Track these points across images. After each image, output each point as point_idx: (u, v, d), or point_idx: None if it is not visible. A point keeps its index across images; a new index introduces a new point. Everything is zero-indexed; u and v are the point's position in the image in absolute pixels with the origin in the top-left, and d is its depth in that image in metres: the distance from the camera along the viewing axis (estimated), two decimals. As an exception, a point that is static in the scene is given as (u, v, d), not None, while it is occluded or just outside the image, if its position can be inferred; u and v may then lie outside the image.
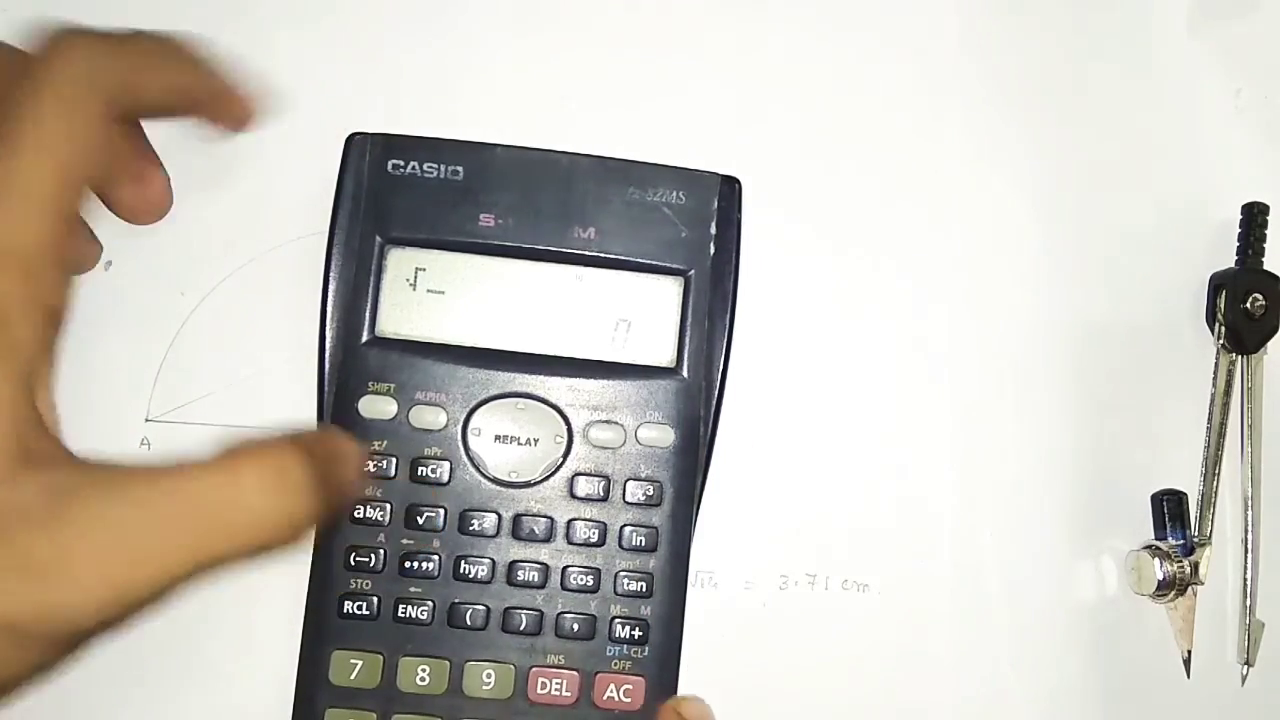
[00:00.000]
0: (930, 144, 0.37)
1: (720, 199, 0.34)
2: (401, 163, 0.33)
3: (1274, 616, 0.35)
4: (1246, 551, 0.36)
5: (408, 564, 0.32)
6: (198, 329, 0.34)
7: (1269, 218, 0.37)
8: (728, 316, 0.34)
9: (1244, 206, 0.37)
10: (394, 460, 0.32)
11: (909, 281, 0.36)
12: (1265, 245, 0.37)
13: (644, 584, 0.33)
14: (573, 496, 0.33)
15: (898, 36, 0.37)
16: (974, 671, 0.34)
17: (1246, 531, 0.36)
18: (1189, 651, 0.35)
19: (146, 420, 0.34)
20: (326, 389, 0.33)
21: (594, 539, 0.33)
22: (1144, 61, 0.37)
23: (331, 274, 0.33)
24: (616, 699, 0.32)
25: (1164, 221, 0.37)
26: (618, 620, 0.32)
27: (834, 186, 0.37)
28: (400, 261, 0.33)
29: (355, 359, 0.33)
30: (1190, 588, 0.35)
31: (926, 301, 0.36)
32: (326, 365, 0.33)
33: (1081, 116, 0.37)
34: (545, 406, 0.33)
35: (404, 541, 0.32)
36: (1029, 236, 0.36)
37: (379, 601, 0.32)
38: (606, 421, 0.33)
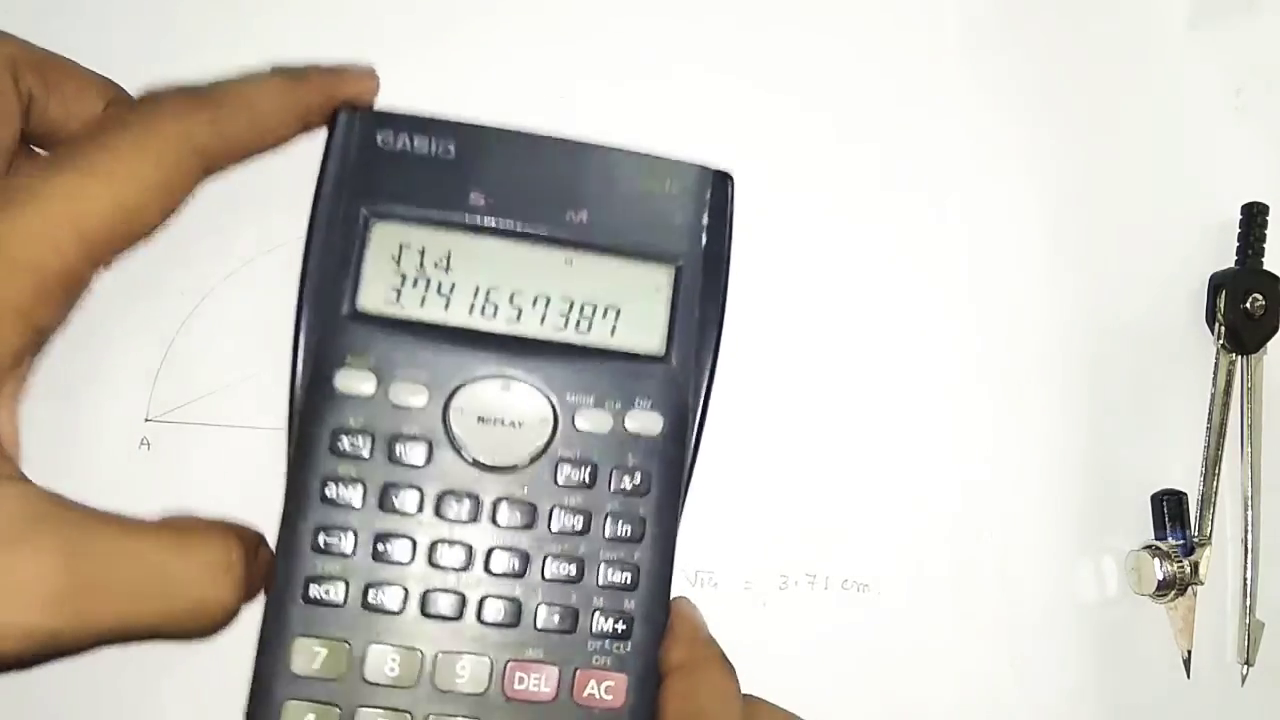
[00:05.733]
0: (928, 144, 0.37)
1: (713, 194, 0.34)
2: (391, 138, 0.33)
3: (1274, 616, 0.35)
4: (1246, 551, 0.36)
5: (380, 548, 0.30)
6: (197, 329, 0.34)
7: (1269, 218, 0.37)
8: (718, 306, 0.33)
9: (1244, 206, 0.37)
10: (370, 439, 0.31)
11: (907, 281, 0.36)
12: (1265, 245, 0.37)
13: (629, 576, 0.31)
14: (557, 483, 0.31)
15: (897, 36, 0.37)
16: (974, 671, 0.34)
17: (1246, 531, 0.36)
18: (1189, 651, 0.35)
19: (146, 420, 0.33)
20: (301, 362, 0.31)
21: (578, 528, 0.31)
22: (1144, 61, 0.37)
23: (313, 245, 0.32)
24: (597, 696, 0.30)
25: (1164, 221, 0.37)
26: (600, 613, 0.31)
27: (830, 185, 0.37)
28: (385, 236, 0.32)
29: (334, 332, 0.31)
30: (1190, 588, 0.35)
31: (925, 301, 0.36)
32: (303, 337, 0.31)
33: (1081, 116, 0.37)
34: (531, 389, 0.32)
35: (377, 524, 0.30)
36: (1028, 236, 0.36)
37: (348, 586, 0.30)
38: (594, 407, 0.32)
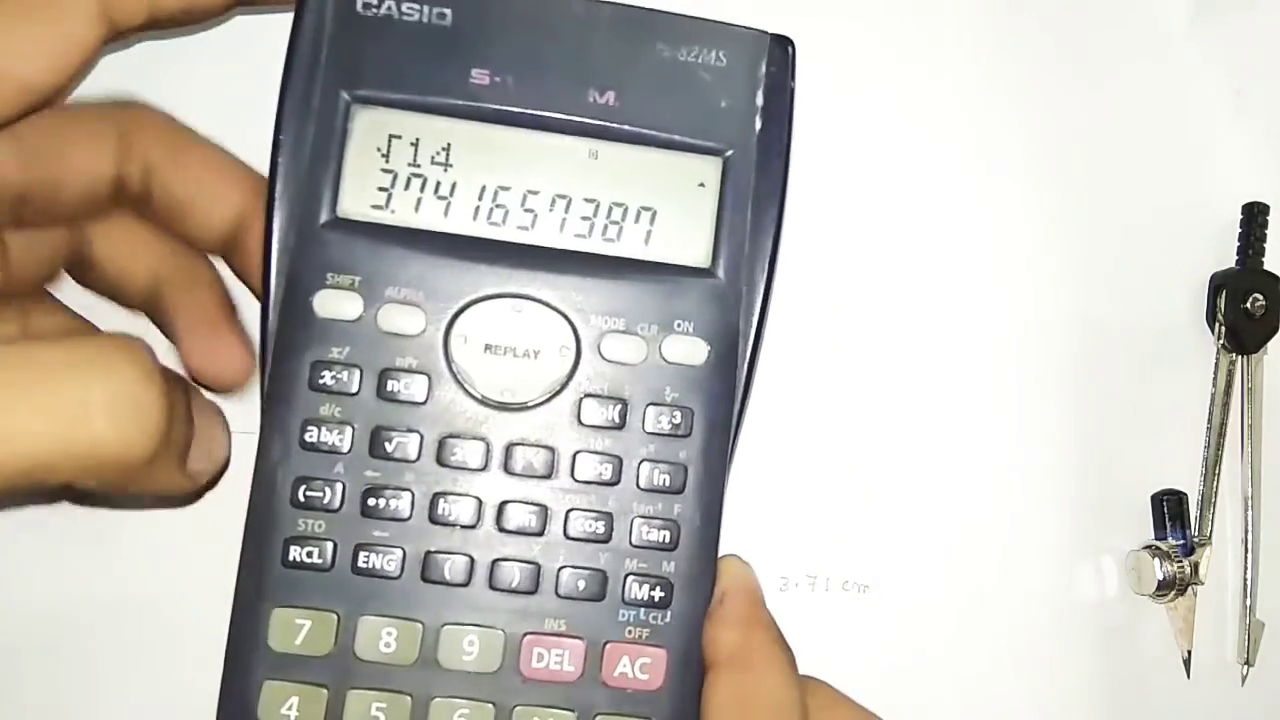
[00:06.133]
0: (926, 144, 0.35)
1: (769, 63, 0.28)
2: (374, 2, 0.27)
3: (1274, 616, 0.35)
4: (1246, 551, 0.36)
5: (372, 502, 0.26)
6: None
7: (1269, 218, 0.37)
8: (776, 206, 0.28)
9: (1244, 206, 0.37)
10: (357, 372, 0.26)
11: (905, 282, 0.35)
12: (1265, 245, 0.37)
13: (667, 534, 0.26)
14: (580, 423, 0.27)
15: (894, 35, 0.35)
16: (974, 672, 0.34)
17: (1246, 531, 0.36)
18: (1189, 651, 0.35)
19: None
20: (274, 281, 0.26)
21: (606, 476, 0.27)
22: (1144, 61, 0.37)
23: (283, 138, 0.26)
24: (630, 675, 0.26)
25: (1164, 221, 0.36)
26: (633, 578, 0.26)
27: (822, 186, 0.34)
28: (370, 125, 0.27)
29: (311, 244, 0.26)
30: (1190, 588, 0.35)
31: (923, 301, 0.35)
32: (274, 251, 0.26)
33: (1081, 116, 0.36)
34: (549, 311, 0.27)
35: (368, 474, 0.26)
36: (1029, 236, 0.35)
37: (335, 548, 0.26)
38: (624, 332, 0.27)
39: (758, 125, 0.28)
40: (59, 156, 0.26)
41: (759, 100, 0.28)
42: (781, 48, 0.28)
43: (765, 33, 0.28)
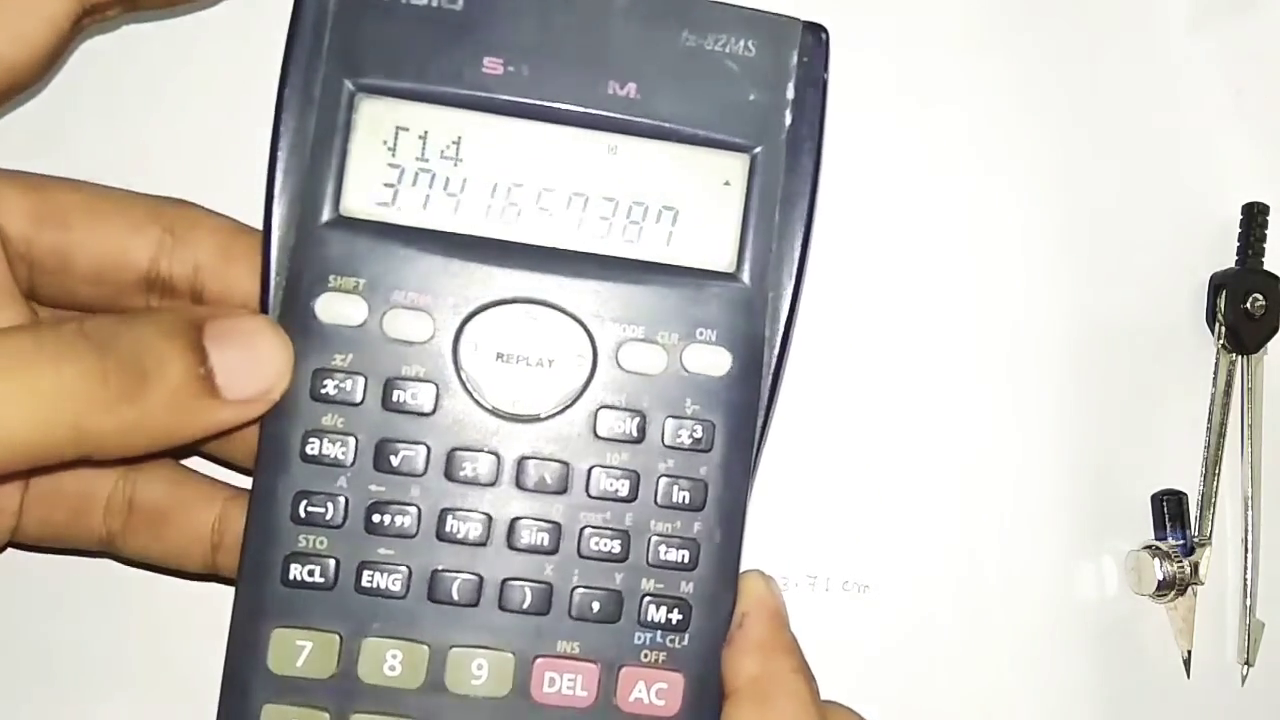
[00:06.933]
0: (926, 144, 0.35)
1: (802, 53, 0.26)
2: None
3: (1274, 616, 0.35)
4: (1246, 551, 0.36)
5: (376, 517, 0.25)
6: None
7: (1269, 218, 0.37)
8: (806, 207, 0.26)
9: (1244, 206, 0.37)
10: (361, 380, 0.25)
11: (905, 282, 0.34)
12: (1265, 245, 0.37)
13: (686, 553, 0.25)
14: (596, 436, 0.25)
15: (893, 34, 0.35)
16: (974, 671, 0.34)
17: (1246, 531, 0.36)
18: (1189, 651, 0.35)
19: None
20: (273, 284, 0.25)
21: (622, 492, 0.25)
22: (1144, 61, 0.37)
23: (283, 130, 0.25)
24: (646, 701, 0.25)
25: (1164, 221, 0.36)
26: (650, 599, 0.25)
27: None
28: (376, 116, 0.25)
29: (312, 244, 0.25)
30: (1190, 588, 0.35)
31: (924, 301, 0.34)
32: (274, 252, 0.25)
33: (1081, 116, 0.36)
34: (564, 317, 0.25)
35: (372, 488, 0.25)
36: (1028, 237, 0.35)
37: (337, 566, 0.24)
38: (643, 340, 0.26)
39: (788, 120, 0.26)
40: (80, 228, 0.25)
41: (790, 93, 0.26)
42: (815, 36, 0.26)
43: (798, 20, 0.26)
